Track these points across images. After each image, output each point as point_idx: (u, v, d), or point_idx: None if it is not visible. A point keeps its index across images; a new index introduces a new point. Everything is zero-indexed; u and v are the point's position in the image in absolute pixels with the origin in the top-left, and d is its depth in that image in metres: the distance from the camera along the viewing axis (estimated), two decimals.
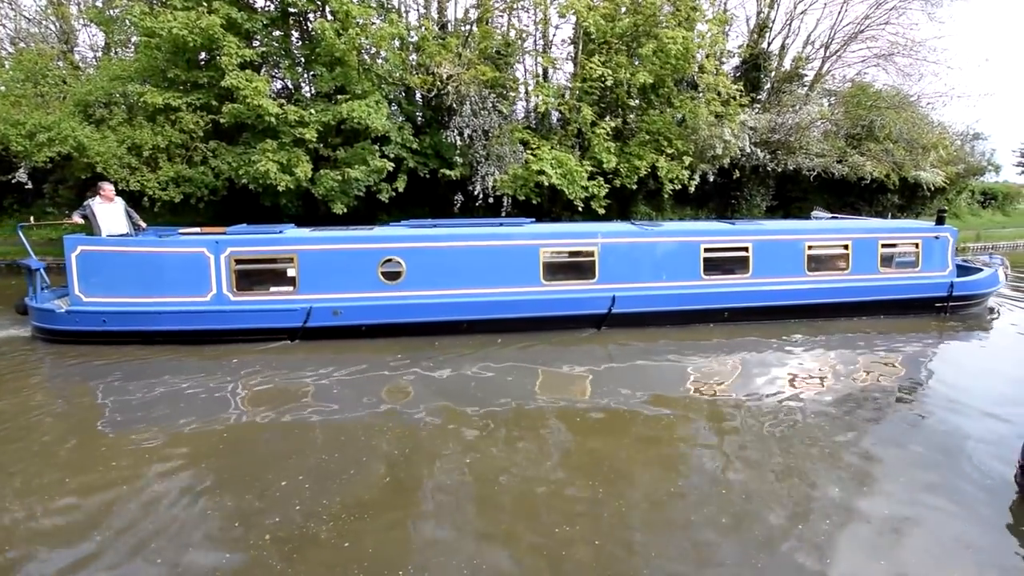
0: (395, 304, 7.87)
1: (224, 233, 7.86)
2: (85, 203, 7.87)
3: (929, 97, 20.42)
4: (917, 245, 9.42)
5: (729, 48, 18.55)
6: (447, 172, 14.50)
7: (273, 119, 12.32)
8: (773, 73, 19.75)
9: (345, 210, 13.45)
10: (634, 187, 15.54)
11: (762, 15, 19.48)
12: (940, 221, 10.03)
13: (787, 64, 20.15)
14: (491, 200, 14.89)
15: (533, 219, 9.92)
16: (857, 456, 4.65)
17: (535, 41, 16.46)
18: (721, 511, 3.85)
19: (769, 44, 19.82)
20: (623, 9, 15.28)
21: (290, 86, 14.59)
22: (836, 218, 11.31)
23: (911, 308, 9.28)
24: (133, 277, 7.38)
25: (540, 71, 16.81)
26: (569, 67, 16.38)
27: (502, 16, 16.18)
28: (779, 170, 18.09)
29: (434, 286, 7.98)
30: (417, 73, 14.24)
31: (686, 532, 3.66)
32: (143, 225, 8.40)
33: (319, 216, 14.01)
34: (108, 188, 7.94)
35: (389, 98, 14.52)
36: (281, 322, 7.62)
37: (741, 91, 16.07)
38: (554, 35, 16.94)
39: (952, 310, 9.41)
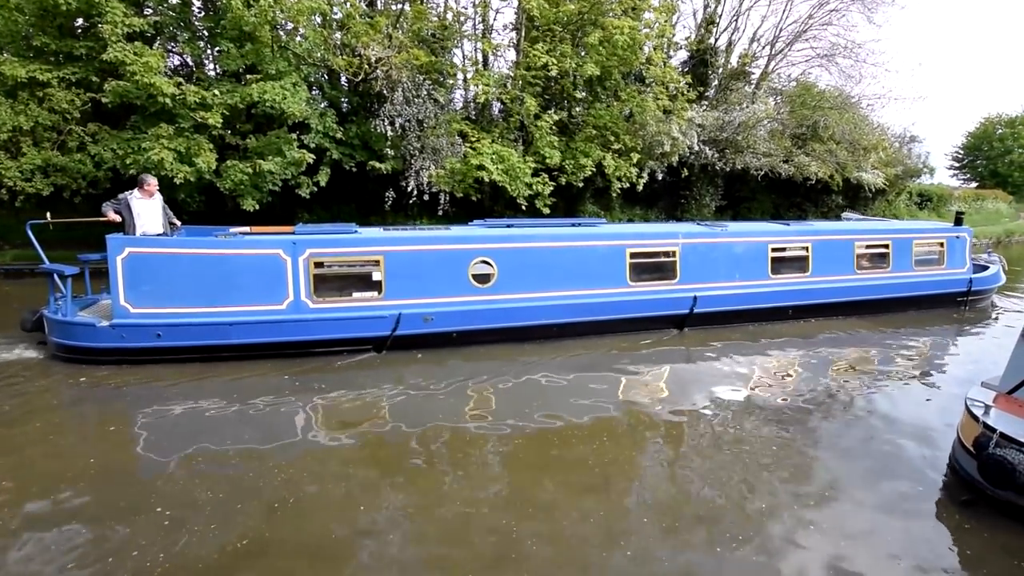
0: (487, 309, 8.01)
1: (293, 232, 7.70)
2: (121, 196, 7.47)
3: (869, 99, 22.72)
4: (942, 244, 11.09)
5: (676, 40, 19.75)
6: (377, 165, 14.37)
7: (168, 100, 11.70)
8: (720, 69, 21.20)
9: (257, 207, 12.99)
10: (580, 185, 16.12)
11: (709, 8, 20.91)
12: (958, 222, 11.69)
13: (734, 61, 21.70)
14: (426, 197, 14.92)
15: (603, 218, 10.50)
16: None
17: (474, 25, 16.72)
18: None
19: (716, 40, 21.29)
20: None
21: (190, 63, 13.93)
22: (865, 219, 12.98)
23: (937, 303, 10.87)
24: (195, 283, 7.02)
25: (480, 58, 17.07)
26: (511, 55, 16.76)
27: None
28: (727, 169, 19.40)
29: (524, 289, 8.25)
30: (342, 54, 14.04)
31: None
32: (178, 224, 8.03)
33: (226, 213, 13.42)
34: (151, 182, 7.56)
35: (309, 80, 14.21)
36: (367, 331, 7.56)
37: (689, 85, 17.15)
38: (495, 19, 17.35)
39: (970, 304, 11.20)
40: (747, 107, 18.86)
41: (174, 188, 12.31)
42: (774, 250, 9.75)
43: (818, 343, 8.86)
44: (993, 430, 4.36)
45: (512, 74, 16.07)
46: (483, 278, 8.10)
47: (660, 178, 17.82)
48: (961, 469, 4.78)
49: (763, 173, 19.51)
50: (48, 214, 7.54)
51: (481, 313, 7.99)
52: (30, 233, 7.29)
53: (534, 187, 15.13)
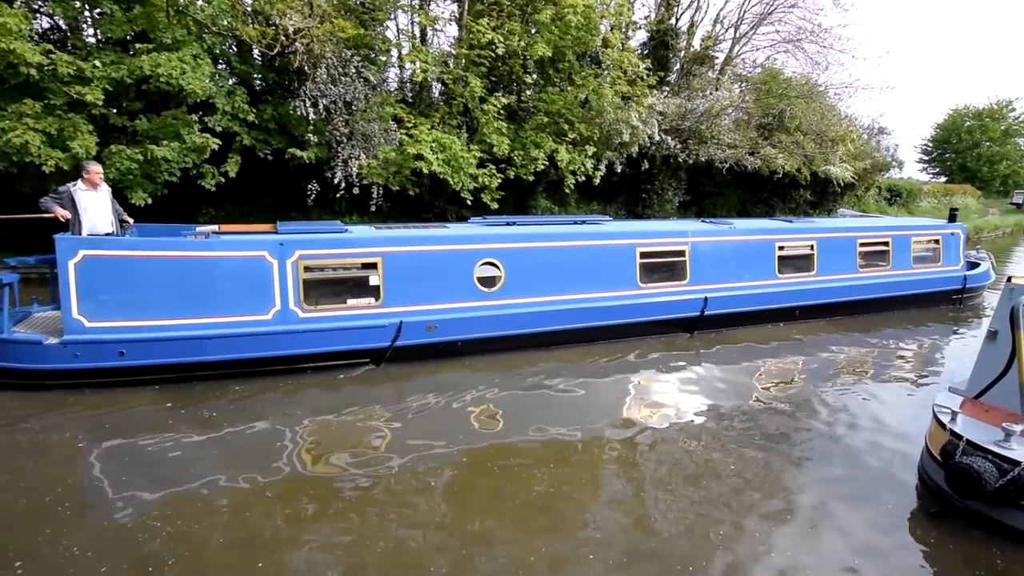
0: (494, 315, 7.78)
1: (275, 231, 7.24)
2: (62, 188, 6.85)
3: (836, 87, 22.86)
4: (938, 241, 11.45)
5: (635, 20, 19.27)
6: (297, 153, 13.27)
7: (34, 71, 10.34)
8: (682, 52, 20.86)
9: (150, 201, 11.70)
10: (532, 178, 15.42)
11: None
12: (952, 219, 12.04)
13: (696, 44, 21.41)
14: (356, 190, 13.93)
15: (608, 216, 10.87)
16: None
17: None
18: None
19: (677, 20, 20.93)
20: None
21: (63, 27, 12.48)
22: (859, 216, 13.34)
23: (934, 300, 11.24)
24: (164, 291, 6.45)
25: (417, 32, 16.12)
26: (453, 30, 15.90)
27: None
28: (691, 161, 19.05)
29: (532, 292, 8.08)
30: (253, 23, 12.88)
31: None
32: (130, 221, 7.42)
33: None
34: (95, 169, 6.96)
35: (214, 53, 12.98)
36: (365, 342, 7.22)
37: (649, 70, 16.66)
38: None
39: (964, 301, 11.62)
40: (711, 94, 18.54)
41: (43, 178, 10.95)
42: (780, 248, 9.87)
43: (821, 348, 8.94)
44: (960, 437, 4.36)
45: (454, 52, 15.20)
46: (489, 281, 7.86)
47: (619, 171, 17.30)
48: (929, 479, 4.78)
49: (728, 166, 19.24)
50: None
51: (488, 320, 7.75)
52: None
53: (480, 179, 14.36)
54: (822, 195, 23.15)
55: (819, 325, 9.91)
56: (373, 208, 14.19)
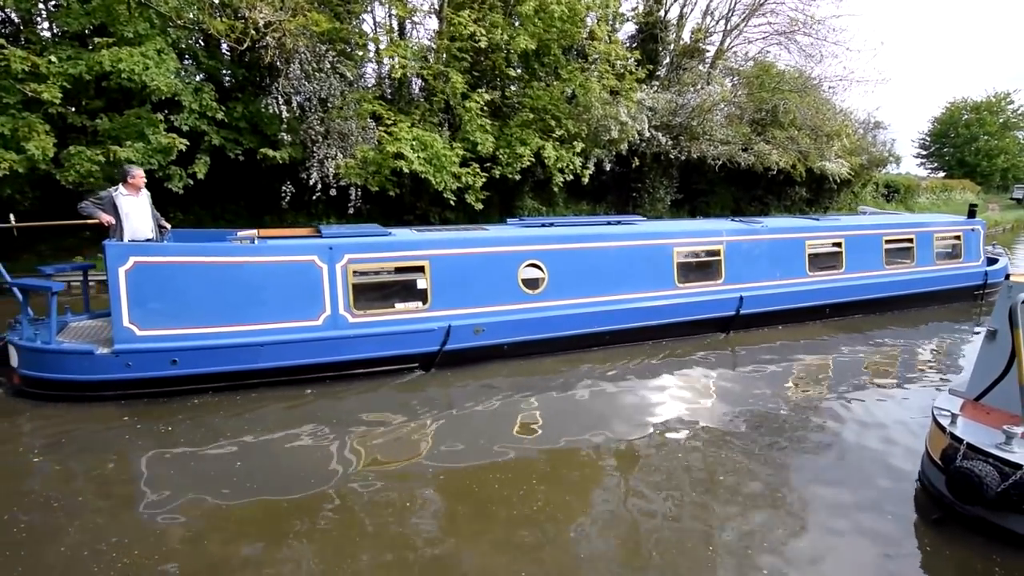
0: (538, 317, 8.07)
1: (319, 234, 7.46)
2: (103, 193, 6.92)
3: (830, 80, 23.12)
4: (959, 237, 11.92)
5: (622, 12, 19.41)
6: (270, 154, 13.17)
7: None
8: (671, 45, 21.04)
9: None
10: (518, 177, 15.47)
11: None
12: (972, 215, 12.54)
13: (686, 36, 21.60)
14: (333, 192, 13.86)
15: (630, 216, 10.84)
16: None
17: None
18: None
19: (666, 11, 21.12)
20: None
21: (15, 19, 12.32)
22: (880, 213, 13.69)
23: (956, 296, 11.63)
24: (215, 298, 6.60)
25: (395, 25, 16.11)
26: (433, 23, 15.89)
27: None
28: (682, 159, 19.19)
29: (574, 294, 8.35)
30: (221, 15, 12.80)
31: None
32: (167, 227, 7.54)
33: (69, 213, 11.90)
34: (139, 173, 7.05)
35: (179, 47, 12.87)
36: (414, 347, 7.44)
37: (638, 63, 16.80)
38: None
39: (985, 297, 11.87)
40: (702, 88, 18.73)
41: None
42: (811, 246, 10.23)
43: (848, 347, 9.18)
44: (960, 441, 4.40)
45: (434, 45, 15.21)
46: (533, 283, 8.12)
47: (608, 169, 17.39)
48: (931, 484, 4.83)
49: (721, 163, 19.42)
50: (12, 217, 6.97)
51: (533, 322, 8.04)
52: None
53: (463, 179, 14.35)
54: (818, 192, 23.46)
55: (848, 323, 10.23)
56: (351, 210, 14.13)
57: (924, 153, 56.73)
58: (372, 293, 7.42)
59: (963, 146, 51.65)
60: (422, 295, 7.55)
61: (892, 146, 26.95)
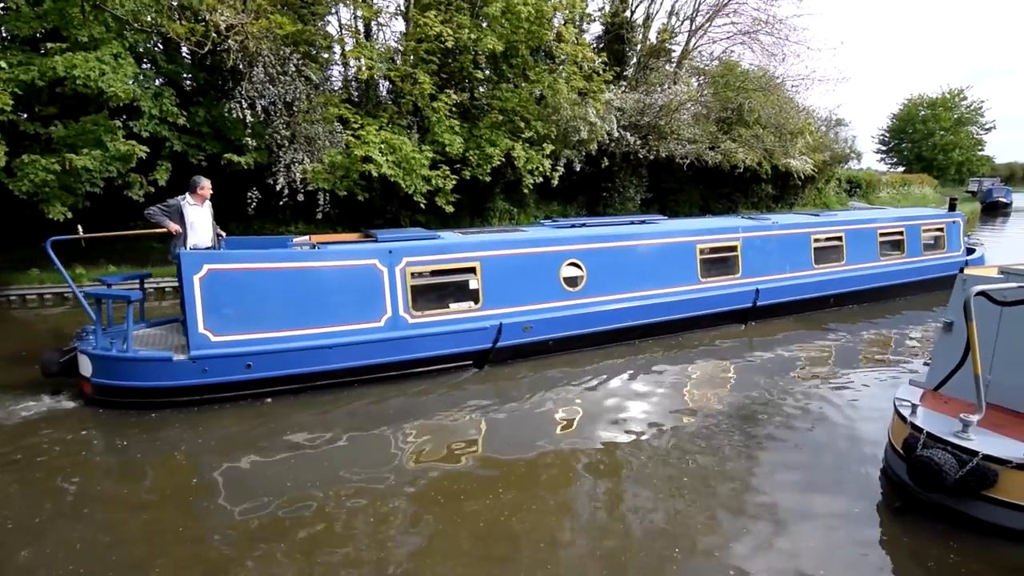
0: (579, 314, 8.58)
1: (375, 239, 7.74)
2: (172, 202, 7.21)
3: (793, 79, 23.76)
4: (942, 229, 12.80)
5: (589, 11, 19.65)
6: (234, 159, 12.99)
7: None
8: (638, 46, 21.36)
9: (70, 215, 11.24)
10: (488, 179, 15.52)
11: None
12: (952, 208, 13.63)
13: (652, 36, 21.94)
14: (301, 197, 13.73)
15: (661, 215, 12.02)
16: None
17: None
18: None
19: (632, 12, 21.43)
20: None
21: None
22: (867, 208, 14.56)
23: (939, 285, 11.98)
24: (284, 303, 6.88)
25: (360, 27, 16.04)
26: (399, 25, 15.87)
27: None
28: (651, 158, 19.50)
29: (609, 290, 8.89)
30: (180, 18, 12.57)
31: None
32: (223, 234, 7.83)
33: (25, 222, 11.62)
34: (208, 185, 7.35)
35: (137, 51, 12.61)
36: (468, 345, 7.85)
37: (605, 64, 17.01)
38: None
39: None
40: (668, 88, 19.06)
41: None
42: (816, 240, 11.02)
43: (850, 334, 9.93)
44: (920, 430, 4.60)
45: (401, 47, 15.18)
46: (573, 281, 8.61)
47: (579, 169, 17.58)
48: (893, 474, 5.03)
49: (689, 161, 19.80)
50: (80, 228, 7.12)
51: (575, 319, 8.53)
52: (51, 253, 6.75)
53: (433, 181, 14.34)
54: (783, 189, 24.07)
55: (849, 312, 11.11)
56: (320, 216, 14.02)
57: (884, 149, 58.59)
58: (428, 294, 7.79)
59: (920, 141, 53.54)
60: (474, 295, 7.95)
61: (853, 143, 27.81)
